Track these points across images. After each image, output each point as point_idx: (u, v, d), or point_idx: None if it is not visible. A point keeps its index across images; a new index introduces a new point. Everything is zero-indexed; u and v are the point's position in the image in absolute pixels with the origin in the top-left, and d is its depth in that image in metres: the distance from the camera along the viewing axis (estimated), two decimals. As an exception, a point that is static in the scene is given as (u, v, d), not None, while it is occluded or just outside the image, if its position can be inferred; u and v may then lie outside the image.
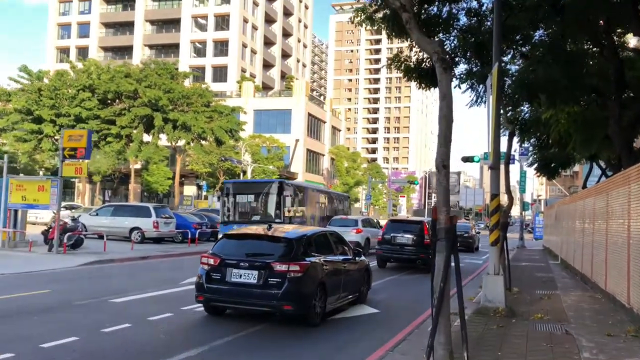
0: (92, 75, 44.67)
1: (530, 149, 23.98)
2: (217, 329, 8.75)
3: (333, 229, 17.30)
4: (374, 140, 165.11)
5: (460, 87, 14.68)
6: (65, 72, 45.24)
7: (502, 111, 14.77)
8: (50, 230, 19.87)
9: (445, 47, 12.59)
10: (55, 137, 45.10)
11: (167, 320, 9.33)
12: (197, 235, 26.44)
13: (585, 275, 16.06)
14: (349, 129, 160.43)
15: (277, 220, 21.91)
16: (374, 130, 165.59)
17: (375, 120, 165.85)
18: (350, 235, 22.53)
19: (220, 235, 17.04)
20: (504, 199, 15.72)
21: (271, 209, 23.72)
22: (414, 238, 19.53)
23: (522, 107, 16.40)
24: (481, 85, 13.83)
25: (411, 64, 13.02)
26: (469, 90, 14.28)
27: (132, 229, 25.17)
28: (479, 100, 14.19)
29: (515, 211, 79.74)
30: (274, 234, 9.81)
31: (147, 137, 47.24)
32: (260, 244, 9.72)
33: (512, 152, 39.93)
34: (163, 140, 47.67)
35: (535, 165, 23.24)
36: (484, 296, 10.42)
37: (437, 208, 5.87)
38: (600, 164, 22.16)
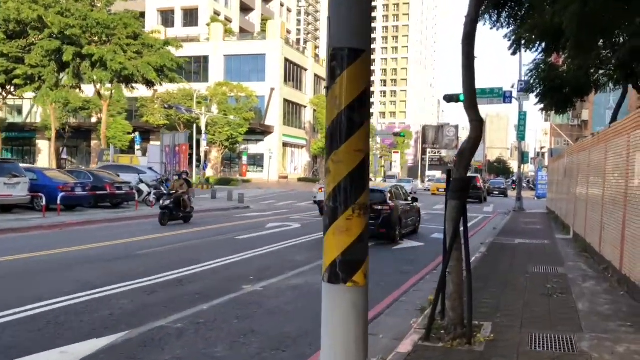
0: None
1: (531, 67, 15.71)
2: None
3: None
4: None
5: None
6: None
7: None
8: None
9: None
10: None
11: None
12: (59, 201, 18.55)
13: (628, 279, 8.27)
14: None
15: None
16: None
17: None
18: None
19: None
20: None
21: None
22: (475, 185, 35.41)
23: None
24: None
25: None
26: None
27: (-44, 194, 17.42)
28: None
29: (513, 165, 71.05)
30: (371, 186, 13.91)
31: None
32: None
33: (510, 89, 31.65)
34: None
35: (539, 90, 15.20)
36: None
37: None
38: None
